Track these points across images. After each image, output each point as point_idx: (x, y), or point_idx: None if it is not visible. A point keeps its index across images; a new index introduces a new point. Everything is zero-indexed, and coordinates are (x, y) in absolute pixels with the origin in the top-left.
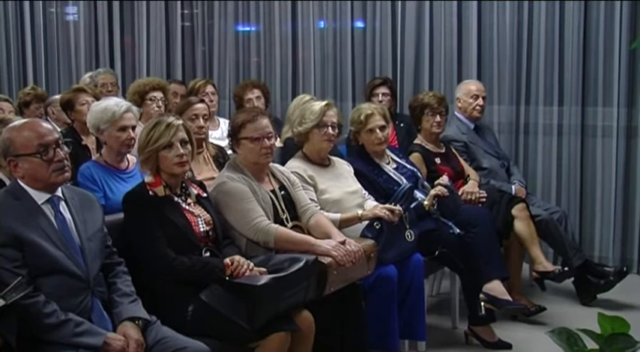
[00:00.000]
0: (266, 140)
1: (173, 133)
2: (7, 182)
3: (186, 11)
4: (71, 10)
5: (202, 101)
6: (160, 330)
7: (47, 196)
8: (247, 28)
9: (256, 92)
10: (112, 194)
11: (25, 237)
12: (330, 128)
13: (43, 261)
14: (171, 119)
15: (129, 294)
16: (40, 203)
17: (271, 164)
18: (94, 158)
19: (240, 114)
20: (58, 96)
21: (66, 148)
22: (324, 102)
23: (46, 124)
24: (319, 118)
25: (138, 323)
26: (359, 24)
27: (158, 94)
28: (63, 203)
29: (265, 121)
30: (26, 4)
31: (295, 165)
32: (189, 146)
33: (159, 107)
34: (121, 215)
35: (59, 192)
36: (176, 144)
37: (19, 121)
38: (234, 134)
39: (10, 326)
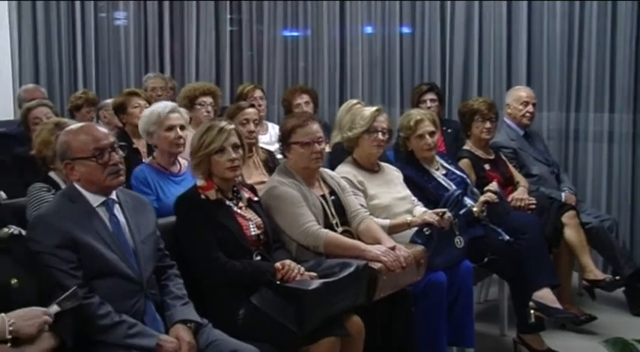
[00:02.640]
0: (316, 145)
1: (225, 138)
2: (61, 184)
3: (234, 16)
4: (121, 15)
5: (253, 106)
6: (211, 333)
7: (102, 199)
8: (295, 33)
9: (305, 97)
10: (164, 197)
11: (80, 239)
12: (380, 134)
13: (98, 264)
14: (223, 124)
15: (181, 297)
16: (95, 206)
17: (322, 169)
18: (146, 161)
19: (291, 119)
20: (109, 101)
21: (121, 152)
22: (374, 108)
23: (101, 128)
24: (369, 124)
25: (190, 326)
26: (407, 29)
27: (208, 99)
28: (117, 206)
29: (316, 126)
30: (78, 9)
31: (345, 170)
32: (240, 150)
33: (208, 112)
34: (173, 218)
35: (114, 195)
36: (228, 149)
37: (75, 125)
38: (284, 139)
39: (66, 327)
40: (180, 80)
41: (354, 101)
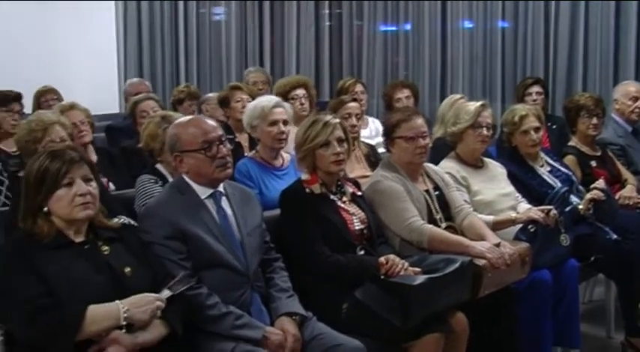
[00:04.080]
0: (421, 139)
1: (330, 132)
2: (168, 176)
3: (336, 10)
4: (219, 11)
5: (355, 100)
6: (316, 326)
7: (210, 191)
8: (395, 28)
9: (406, 92)
10: (266, 191)
11: (189, 230)
12: (484, 129)
13: (206, 255)
14: (328, 117)
15: (286, 290)
16: (203, 198)
17: (426, 164)
18: (248, 154)
19: (395, 114)
20: (211, 94)
21: (228, 145)
22: (479, 103)
23: (210, 121)
24: (474, 119)
25: (295, 319)
26: (509, 24)
27: (300, 92)
28: (224, 198)
29: (420, 121)
30: (180, 6)
31: (448, 165)
32: (345, 144)
33: (302, 104)
34: (275, 211)
35: (221, 188)
36: (333, 143)
37: (184, 118)
38: (388, 133)
39: (176, 315)
40: (280, 75)
41: (457, 96)
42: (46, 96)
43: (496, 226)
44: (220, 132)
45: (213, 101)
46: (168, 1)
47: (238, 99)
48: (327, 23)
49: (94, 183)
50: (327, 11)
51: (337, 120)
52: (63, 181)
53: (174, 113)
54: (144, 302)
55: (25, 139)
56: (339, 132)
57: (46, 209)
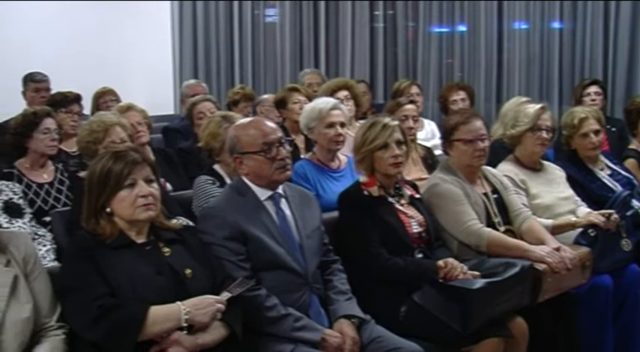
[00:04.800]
0: (479, 142)
1: (389, 134)
2: (226, 177)
3: (389, 12)
4: (272, 12)
5: (412, 102)
6: (374, 329)
7: (269, 193)
8: (449, 30)
9: (462, 94)
10: (323, 193)
11: (249, 231)
12: (544, 132)
13: (265, 256)
14: (387, 120)
15: (344, 292)
16: (262, 199)
17: (484, 167)
18: (305, 156)
19: (454, 116)
20: (266, 96)
21: (288, 146)
22: (539, 105)
23: (270, 123)
24: (534, 121)
25: (354, 321)
26: (566, 25)
27: (343, 93)
28: (284, 200)
29: (479, 123)
30: (235, 8)
31: (507, 168)
32: (404, 147)
33: (347, 106)
34: (332, 213)
35: (280, 190)
36: (392, 145)
37: (244, 120)
38: (446, 135)
39: (236, 317)
40: (335, 77)
41: (524, 98)
42: (104, 98)
43: (555, 230)
44: (280, 134)
45: (267, 102)
46: (223, 1)
47: (296, 101)
48: (383, 24)
49: (155, 185)
50: (382, 12)
51: (396, 123)
52: (125, 182)
53: (234, 114)
54: (205, 304)
55: (87, 140)
56: (398, 135)
57: (108, 210)
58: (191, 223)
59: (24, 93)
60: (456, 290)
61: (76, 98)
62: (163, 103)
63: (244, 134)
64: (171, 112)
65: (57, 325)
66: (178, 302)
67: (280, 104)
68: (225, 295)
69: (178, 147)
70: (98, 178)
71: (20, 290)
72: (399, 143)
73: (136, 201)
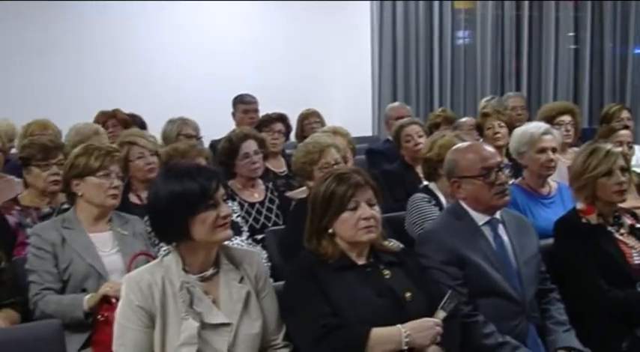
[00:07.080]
0: None
1: (613, 161)
2: (440, 196)
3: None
4: (472, 34)
5: (627, 127)
6: None
7: (487, 218)
8: None
9: None
10: (533, 219)
11: (466, 256)
12: None
13: (483, 282)
14: (609, 146)
15: (563, 323)
16: (480, 224)
17: None
18: (515, 182)
19: None
20: (465, 119)
21: (507, 172)
22: None
23: (489, 148)
24: None
25: None
26: None
27: (566, 118)
28: (501, 225)
29: None
30: (436, 30)
31: None
32: (627, 173)
33: (567, 131)
34: (547, 240)
35: (497, 215)
36: (616, 172)
37: (463, 144)
38: None
39: (454, 341)
40: (537, 100)
41: None
42: (309, 119)
43: None
44: (499, 158)
45: (466, 126)
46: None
47: (489, 127)
48: (588, 47)
49: (377, 207)
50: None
51: (619, 149)
52: (349, 205)
53: (459, 132)
54: (424, 327)
55: (302, 161)
56: (622, 161)
57: (330, 230)
58: (401, 245)
59: (233, 114)
60: None
61: (279, 118)
62: (361, 125)
63: (463, 158)
64: (369, 134)
65: (283, 344)
66: (399, 325)
67: (478, 129)
68: (442, 314)
69: (383, 169)
70: (322, 199)
71: (252, 306)
72: (622, 170)
73: (358, 223)
